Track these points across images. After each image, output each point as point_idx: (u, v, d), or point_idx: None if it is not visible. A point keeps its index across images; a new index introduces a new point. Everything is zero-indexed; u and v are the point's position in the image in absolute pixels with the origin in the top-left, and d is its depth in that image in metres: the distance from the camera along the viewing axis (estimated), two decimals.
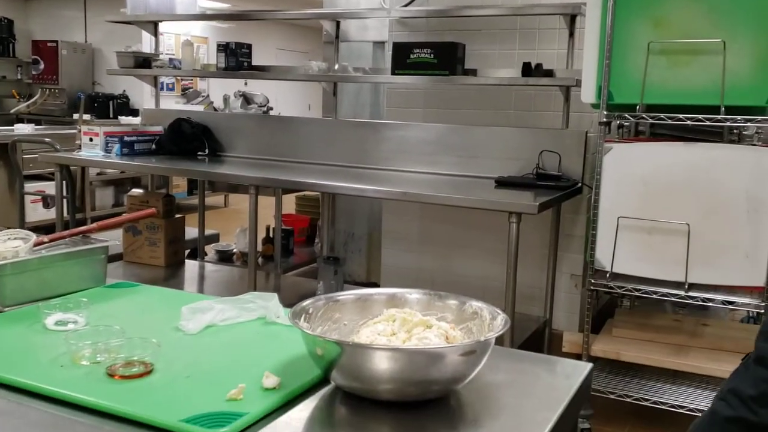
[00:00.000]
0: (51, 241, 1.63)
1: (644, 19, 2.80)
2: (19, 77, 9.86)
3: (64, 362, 1.17)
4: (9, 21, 9.64)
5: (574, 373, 1.19)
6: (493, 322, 1.13)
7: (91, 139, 4.17)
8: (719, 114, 2.70)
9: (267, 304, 1.37)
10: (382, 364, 0.99)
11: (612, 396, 2.93)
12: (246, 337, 1.30)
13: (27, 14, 10.21)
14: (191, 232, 4.83)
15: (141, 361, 1.15)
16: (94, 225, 1.72)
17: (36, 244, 1.59)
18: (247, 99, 6.70)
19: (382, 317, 1.18)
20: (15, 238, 1.57)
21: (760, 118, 2.73)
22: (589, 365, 1.23)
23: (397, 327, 1.14)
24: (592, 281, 2.96)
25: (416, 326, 1.14)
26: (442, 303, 1.23)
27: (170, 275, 4.12)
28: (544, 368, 1.21)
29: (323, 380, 1.10)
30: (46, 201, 6.02)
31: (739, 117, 2.71)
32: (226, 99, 8.02)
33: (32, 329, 1.33)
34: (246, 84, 8.20)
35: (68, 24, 9.86)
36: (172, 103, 8.77)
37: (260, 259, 4.75)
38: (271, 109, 7.03)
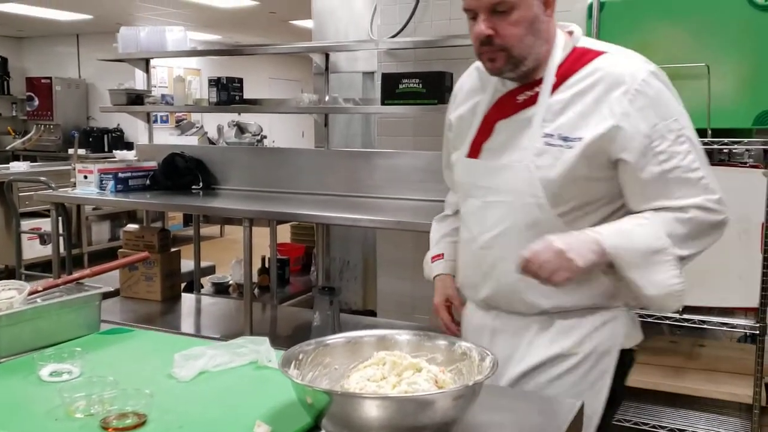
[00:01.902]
0: (45, 289, 1.64)
1: (628, 45, 2.82)
2: (14, 114, 9.93)
3: (58, 415, 1.18)
4: (3, 59, 9.72)
5: (564, 410, 1.20)
6: (482, 363, 1.14)
7: (85, 177, 4.19)
8: (706, 137, 2.73)
9: (258, 348, 1.38)
10: (371, 412, 1.00)
11: (610, 421, 2.92)
12: (238, 384, 1.30)
13: (21, 52, 10.29)
14: (187, 264, 4.82)
15: (134, 412, 1.16)
16: (88, 271, 1.74)
17: (30, 293, 1.60)
18: (241, 128, 6.74)
19: (372, 361, 1.19)
20: (9, 289, 1.58)
21: (746, 140, 2.76)
22: (579, 402, 1.24)
23: (387, 371, 1.15)
24: None
25: (406, 369, 1.15)
26: (432, 344, 1.25)
27: (167, 310, 4.12)
28: (534, 406, 1.22)
29: (314, 427, 1.11)
30: (43, 238, 6.03)
31: (726, 140, 2.74)
32: (220, 129, 8.07)
33: (27, 381, 1.34)
34: (239, 114, 8.26)
35: (62, 60, 9.94)
36: (167, 135, 8.81)
37: (256, 290, 4.75)
38: (265, 137, 7.05)
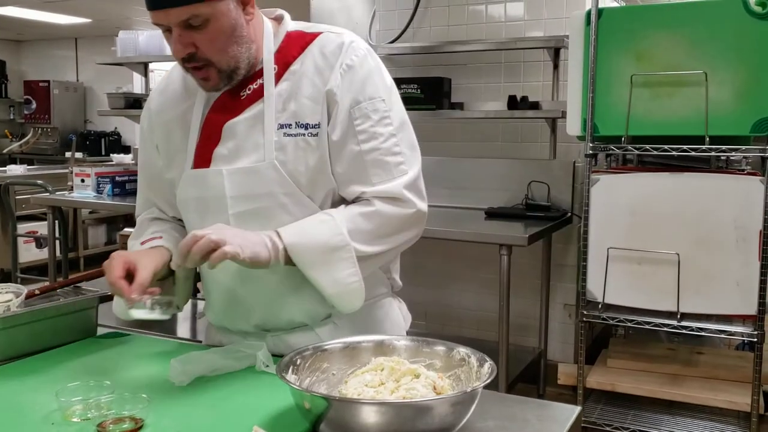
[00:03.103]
0: (42, 293, 1.63)
1: (626, 53, 2.85)
2: (11, 117, 9.92)
3: (55, 420, 1.17)
4: (1, 62, 9.71)
5: (562, 417, 1.20)
6: (481, 369, 1.14)
7: (83, 180, 4.20)
8: (704, 144, 2.73)
9: (256, 353, 1.38)
10: (369, 417, 1.00)
11: (608, 428, 2.93)
12: (235, 389, 1.30)
13: (19, 55, 10.28)
14: None
15: (131, 416, 1.15)
16: (85, 274, 1.73)
17: (28, 297, 1.60)
18: None
19: (370, 366, 1.18)
20: (7, 292, 1.57)
21: (744, 147, 2.77)
22: (578, 408, 1.23)
23: (386, 376, 1.15)
24: (584, 313, 2.97)
25: (404, 375, 1.15)
26: (430, 349, 1.24)
27: None
28: (533, 413, 1.22)
29: None
30: (39, 241, 6.01)
31: (723, 147, 2.74)
32: None
33: (23, 385, 1.33)
34: None
35: (60, 64, 9.93)
36: None
37: None
38: None
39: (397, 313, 1.61)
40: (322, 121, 1.39)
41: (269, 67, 1.40)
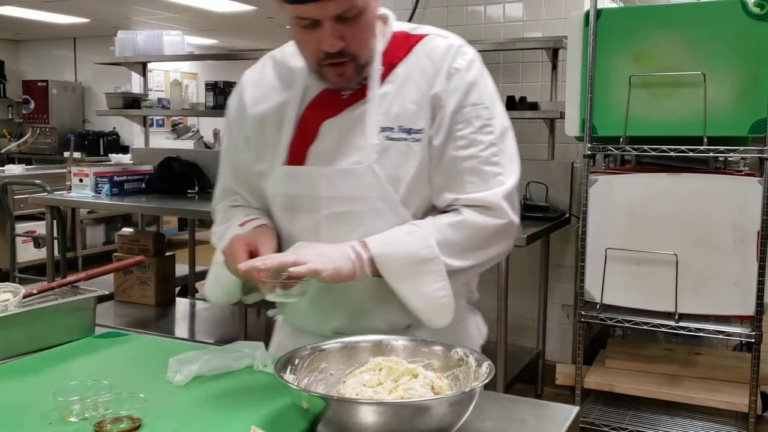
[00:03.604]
0: (40, 292, 1.63)
1: (625, 53, 2.85)
2: (9, 117, 9.92)
3: (52, 419, 1.17)
4: (0, 62, 9.71)
5: (560, 417, 1.20)
6: (479, 369, 1.14)
7: (81, 180, 4.19)
8: (702, 145, 2.74)
9: (254, 353, 1.38)
10: (367, 417, 1.00)
11: (606, 429, 2.93)
12: (233, 388, 1.30)
13: (18, 55, 10.28)
14: (182, 269, 4.82)
15: (129, 416, 1.15)
16: (83, 274, 1.73)
17: (25, 296, 1.60)
18: None
19: (368, 366, 1.18)
20: (4, 292, 1.57)
21: (742, 148, 2.77)
22: (576, 408, 1.24)
23: (384, 376, 1.15)
24: (582, 313, 2.97)
25: (402, 375, 1.15)
26: (428, 349, 1.24)
27: (161, 314, 4.12)
28: (531, 413, 1.22)
29: None
30: (37, 241, 6.01)
31: (721, 147, 2.75)
32: (216, 133, 8.05)
33: (21, 385, 1.33)
34: None
35: (58, 63, 9.93)
36: (162, 139, 8.80)
37: None
38: None
39: (473, 327, 1.55)
40: (425, 126, 1.34)
41: (376, 68, 1.36)
